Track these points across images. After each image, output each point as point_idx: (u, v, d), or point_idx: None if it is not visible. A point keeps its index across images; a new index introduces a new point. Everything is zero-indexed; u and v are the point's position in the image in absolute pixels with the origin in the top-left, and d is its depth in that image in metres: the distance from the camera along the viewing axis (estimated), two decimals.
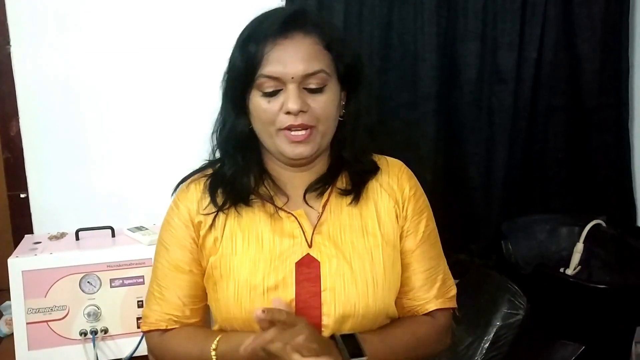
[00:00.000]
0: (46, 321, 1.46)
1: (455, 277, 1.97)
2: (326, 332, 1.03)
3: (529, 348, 1.78)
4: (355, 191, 1.11)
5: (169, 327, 1.12)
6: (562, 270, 1.89)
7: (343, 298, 1.04)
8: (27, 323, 1.46)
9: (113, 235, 1.62)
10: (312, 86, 1.02)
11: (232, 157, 1.10)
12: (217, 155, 1.16)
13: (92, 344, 1.47)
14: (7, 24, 1.66)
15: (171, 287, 1.12)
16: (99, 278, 1.48)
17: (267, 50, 1.00)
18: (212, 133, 1.13)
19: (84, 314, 1.48)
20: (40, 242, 1.58)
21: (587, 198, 2.00)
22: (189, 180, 1.15)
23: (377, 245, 1.09)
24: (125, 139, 1.74)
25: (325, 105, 1.03)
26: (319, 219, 1.09)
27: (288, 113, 1.01)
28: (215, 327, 1.15)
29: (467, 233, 1.98)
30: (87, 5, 1.68)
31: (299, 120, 1.01)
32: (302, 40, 1.01)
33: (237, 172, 1.09)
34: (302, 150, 1.04)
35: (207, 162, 1.17)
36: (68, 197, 1.73)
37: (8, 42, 1.67)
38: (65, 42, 1.68)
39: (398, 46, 1.79)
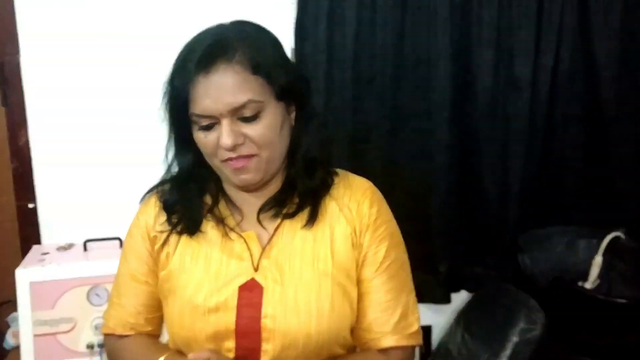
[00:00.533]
0: (53, 334, 1.46)
1: (469, 290, 1.96)
2: (265, 359, 1.00)
3: None
4: (310, 213, 1.05)
5: (124, 333, 1.11)
6: (580, 283, 1.84)
7: (284, 327, 0.99)
8: (35, 335, 1.45)
9: (121, 246, 1.59)
10: (246, 115, 0.96)
11: (176, 186, 1.08)
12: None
13: (99, 357, 1.45)
14: (17, 34, 1.67)
15: (128, 295, 1.11)
16: (106, 290, 1.47)
17: (191, 88, 0.95)
18: (165, 156, 1.08)
19: (91, 326, 1.47)
20: (48, 253, 1.57)
21: (606, 210, 1.95)
22: (152, 192, 1.12)
23: (326, 274, 1.02)
24: (134, 151, 1.73)
25: (263, 132, 0.97)
26: (268, 242, 1.05)
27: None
28: (169, 340, 1.12)
29: (482, 245, 1.94)
30: (95, 15, 1.68)
31: (236, 153, 0.97)
32: (224, 72, 0.94)
33: (182, 201, 1.06)
34: (247, 178, 1.00)
35: (164, 176, 1.11)
36: (76, 207, 1.72)
37: (17, 52, 1.67)
38: (74, 53, 1.68)
39: (411, 54, 1.77)
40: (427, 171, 1.83)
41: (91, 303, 1.46)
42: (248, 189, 1.05)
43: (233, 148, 0.96)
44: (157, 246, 1.08)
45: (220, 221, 1.05)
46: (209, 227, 1.06)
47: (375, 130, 1.80)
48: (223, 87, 0.94)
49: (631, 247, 1.85)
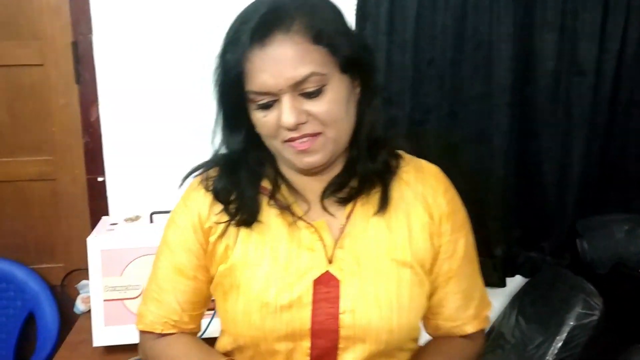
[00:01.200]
0: (122, 299, 1.51)
1: (525, 275, 1.94)
2: (342, 357, 0.94)
3: (604, 352, 1.71)
4: (381, 198, 0.98)
5: (164, 332, 1.03)
6: None
7: (364, 323, 0.92)
8: (104, 300, 1.51)
9: None
10: (309, 90, 0.87)
11: (225, 174, 1.00)
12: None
13: None
14: (90, 14, 1.73)
15: (171, 290, 1.02)
16: None
17: (245, 63, 0.87)
18: (212, 140, 1.02)
19: None
20: (116, 224, 1.64)
21: None
22: (200, 178, 1.04)
23: (405, 264, 0.96)
24: (197, 126, 1.76)
25: (328, 108, 0.88)
26: (341, 232, 0.97)
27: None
28: (223, 339, 1.06)
29: (539, 230, 1.92)
30: None
31: (300, 132, 0.89)
32: (282, 43, 0.85)
33: (241, 187, 0.98)
34: (311, 160, 0.91)
35: (215, 155, 1.03)
36: (143, 181, 1.79)
37: (90, 32, 1.74)
38: (145, 32, 1.74)
39: (472, 37, 1.75)
40: (485, 154, 1.82)
41: None
42: (311, 172, 0.97)
43: (296, 127, 0.88)
44: (213, 237, 0.99)
45: (286, 208, 0.97)
46: (272, 216, 0.98)
47: (433, 113, 1.80)
48: (282, 60, 0.86)
49: None
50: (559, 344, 1.62)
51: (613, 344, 1.71)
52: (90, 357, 1.53)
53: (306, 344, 0.93)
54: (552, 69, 1.77)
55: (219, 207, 0.99)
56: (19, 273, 1.87)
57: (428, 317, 1.06)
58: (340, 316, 0.92)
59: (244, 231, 0.97)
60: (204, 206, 1.01)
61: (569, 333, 1.62)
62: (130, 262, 1.51)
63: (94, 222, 1.76)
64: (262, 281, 0.94)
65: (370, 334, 0.93)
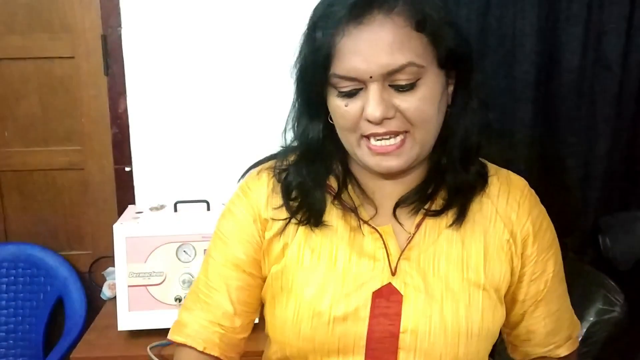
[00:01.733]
0: (145, 285, 1.56)
1: None
2: None
3: (625, 349, 1.70)
4: (459, 210, 0.88)
5: (206, 351, 0.90)
6: None
7: (426, 345, 0.83)
8: (129, 286, 1.55)
9: (208, 208, 1.70)
10: (401, 83, 0.78)
11: (300, 167, 0.90)
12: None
13: None
14: (119, 8, 1.78)
15: (224, 288, 0.91)
16: (194, 248, 1.56)
17: (337, 42, 0.77)
18: (284, 130, 0.93)
19: (179, 281, 1.56)
20: (142, 212, 1.69)
21: None
22: (261, 167, 0.96)
23: (478, 285, 0.86)
24: (221, 120, 1.82)
25: (419, 105, 0.79)
26: (409, 241, 0.87)
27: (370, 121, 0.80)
28: (270, 349, 0.96)
29: (562, 226, 1.88)
30: None
31: (384, 129, 0.80)
32: (381, 25, 0.76)
33: (304, 184, 0.89)
34: (391, 164, 0.82)
35: (283, 148, 0.95)
36: (168, 171, 1.83)
37: (119, 25, 1.79)
38: (173, 26, 1.77)
39: (496, 30, 1.74)
40: (508, 149, 1.81)
41: (179, 259, 1.55)
42: (387, 175, 0.88)
43: (381, 121, 0.79)
44: (269, 233, 0.90)
45: (353, 210, 0.89)
46: (334, 217, 0.89)
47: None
48: (379, 43, 0.76)
49: None
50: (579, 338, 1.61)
51: (635, 341, 1.70)
52: (114, 341, 1.57)
53: None
54: (577, 64, 1.75)
55: (278, 200, 0.90)
56: (49, 259, 1.92)
57: (516, 344, 0.99)
58: (401, 335, 0.83)
59: (302, 230, 0.89)
60: (262, 195, 0.92)
61: (588, 329, 1.61)
62: (154, 249, 1.55)
63: (120, 211, 1.82)
64: (316, 287, 0.85)
65: (432, 357, 0.84)
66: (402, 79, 0.78)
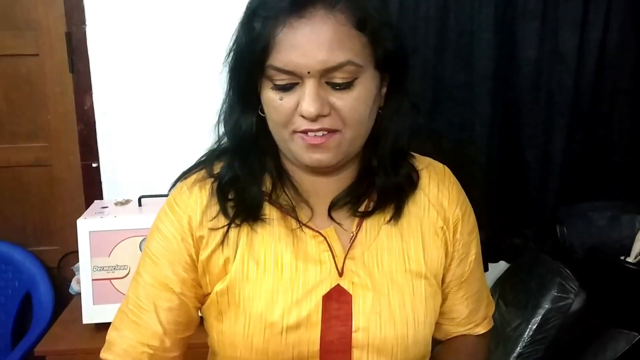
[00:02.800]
0: (109, 279, 1.57)
1: (509, 261, 1.97)
2: None
3: (583, 335, 1.74)
4: (395, 208, 0.90)
5: None
6: (622, 258, 1.82)
7: (378, 340, 0.84)
8: (93, 280, 1.57)
9: None
10: (337, 81, 0.78)
11: (233, 161, 0.88)
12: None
13: None
14: (83, 5, 1.79)
15: (152, 309, 0.87)
16: None
17: (277, 33, 0.76)
18: (216, 124, 0.90)
19: None
20: (107, 207, 1.70)
21: None
22: (191, 180, 0.91)
23: (419, 275, 0.88)
24: (185, 115, 1.85)
25: (355, 105, 0.79)
26: (352, 241, 0.88)
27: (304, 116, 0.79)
28: None
29: (522, 217, 1.95)
30: None
31: (317, 125, 0.78)
32: (323, 21, 0.75)
33: (240, 178, 0.87)
34: (321, 157, 0.81)
35: (209, 152, 0.93)
36: (134, 167, 1.86)
37: (84, 22, 1.80)
38: (137, 23, 1.80)
39: (454, 26, 1.78)
40: (468, 142, 1.85)
41: None
42: (317, 171, 0.87)
43: (316, 118, 0.78)
44: (206, 251, 0.87)
45: (289, 213, 0.87)
46: (274, 223, 0.87)
47: (417, 101, 1.83)
48: (319, 39, 0.75)
49: None
50: (534, 325, 1.66)
51: (592, 328, 1.74)
52: (80, 334, 1.59)
53: None
54: (534, 58, 1.80)
55: (215, 210, 0.87)
56: (17, 255, 1.94)
57: (440, 323, 1.00)
58: (353, 335, 0.84)
59: (243, 242, 0.86)
60: (195, 212, 0.87)
61: (543, 315, 1.66)
62: (118, 243, 1.57)
63: (88, 206, 1.82)
64: (265, 299, 0.84)
65: (385, 352, 0.85)
66: (340, 77, 0.77)
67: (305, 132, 0.79)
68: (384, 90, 0.86)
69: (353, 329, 0.84)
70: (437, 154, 1.02)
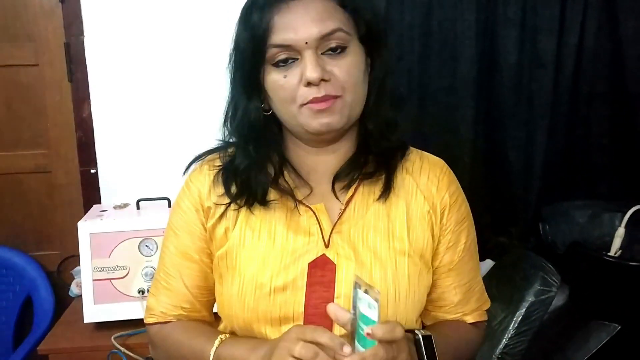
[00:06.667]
0: (109, 279, 1.63)
1: (494, 259, 2.04)
2: None
3: (566, 328, 1.80)
4: (384, 183, 0.97)
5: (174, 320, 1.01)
6: (604, 254, 1.88)
7: None
8: (93, 280, 1.62)
9: (169, 205, 1.77)
10: (332, 46, 0.88)
11: (244, 148, 0.97)
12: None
13: None
14: (81, 17, 1.86)
15: (178, 275, 1.00)
16: (155, 242, 1.64)
17: (273, 16, 0.87)
18: (224, 122, 0.99)
19: (142, 274, 1.64)
20: (106, 211, 1.76)
21: (632, 184, 1.99)
22: (202, 160, 1.03)
23: (402, 252, 0.95)
24: (180, 122, 1.91)
25: (349, 69, 0.89)
26: (340, 216, 0.96)
27: (309, 84, 0.87)
28: (220, 326, 1.05)
29: (507, 216, 2.02)
30: (153, 1, 1.85)
31: (322, 92, 0.87)
32: (310, 0, 0.88)
33: (250, 166, 0.96)
34: (329, 120, 0.89)
35: (223, 142, 1.02)
36: (131, 172, 1.92)
37: (82, 33, 1.87)
38: (133, 34, 1.86)
39: (438, 33, 1.86)
40: (453, 144, 1.92)
41: (142, 253, 1.63)
42: (324, 139, 0.95)
43: (319, 82, 0.87)
44: (212, 220, 0.98)
45: (288, 192, 0.96)
46: (272, 199, 0.97)
47: (404, 104, 1.90)
48: (310, 14, 0.87)
49: None
50: (519, 318, 1.72)
51: (574, 320, 1.80)
52: (80, 333, 1.65)
53: None
54: (514, 63, 1.88)
55: (221, 188, 0.98)
56: (18, 260, 1.99)
57: (428, 309, 1.04)
58: (335, 300, 0.90)
59: (243, 214, 0.97)
60: (204, 187, 0.99)
61: (527, 308, 1.72)
62: (118, 244, 1.63)
63: (87, 211, 1.87)
64: (257, 263, 0.93)
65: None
66: (334, 42, 0.88)
67: (311, 102, 0.89)
68: (369, 69, 0.96)
69: (335, 295, 0.91)
70: None
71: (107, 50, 1.87)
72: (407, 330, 0.86)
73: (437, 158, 1.07)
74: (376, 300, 0.76)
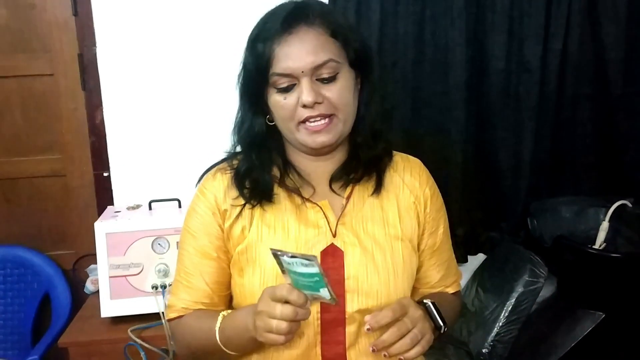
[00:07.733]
0: (125, 276, 1.72)
1: (486, 253, 2.15)
2: (350, 321, 1.06)
3: (553, 316, 1.91)
4: (376, 181, 1.13)
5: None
6: (589, 247, 1.96)
7: (366, 286, 1.05)
8: (110, 277, 1.71)
9: (180, 205, 1.88)
10: (325, 76, 1.01)
11: (249, 155, 1.11)
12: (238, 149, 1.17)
13: (162, 295, 1.71)
14: (93, 29, 1.95)
15: (198, 274, 1.12)
16: (167, 241, 1.73)
17: (274, 48, 1.01)
18: (232, 133, 1.14)
19: (155, 271, 1.73)
20: (120, 211, 1.85)
21: (616, 181, 2.10)
22: (215, 169, 1.16)
23: (397, 238, 1.11)
24: (189, 126, 2.01)
25: (340, 93, 1.03)
26: (342, 210, 1.10)
27: (304, 106, 1.01)
28: None
29: (498, 212, 2.12)
30: (161, 13, 1.95)
31: (316, 112, 1.02)
32: (306, 33, 1.01)
33: (257, 170, 1.10)
34: (324, 139, 1.04)
35: (229, 153, 1.16)
36: (143, 174, 2.02)
37: (94, 44, 1.97)
38: (143, 44, 1.96)
39: (430, 40, 1.96)
40: (446, 145, 2.02)
41: (155, 251, 1.73)
42: (319, 152, 1.09)
43: (313, 105, 1.00)
44: (229, 221, 1.09)
45: (295, 191, 1.10)
46: (282, 199, 1.10)
47: (398, 109, 2.00)
48: (305, 47, 1.00)
49: (637, 213, 1.97)
50: (509, 307, 1.83)
51: (562, 310, 1.91)
52: (98, 327, 1.74)
53: (316, 307, 1.04)
54: (503, 68, 1.99)
55: (235, 192, 1.10)
56: (35, 259, 2.08)
57: (416, 287, 1.20)
58: (346, 281, 1.05)
59: (258, 213, 1.09)
60: (219, 191, 1.11)
61: (517, 298, 1.83)
62: (132, 243, 1.72)
63: (100, 212, 1.96)
64: None
65: (371, 295, 1.05)
66: (326, 72, 1.02)
67: (307, 120, 1.03)
68: (359, 87, 1.10)
69: (345, 276, 1.05)
70: (418, 156, 1.24)
71: (118, 60, 1.96)
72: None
73: (415, 158, 1.23)
74: (312, 257, 0.87)
